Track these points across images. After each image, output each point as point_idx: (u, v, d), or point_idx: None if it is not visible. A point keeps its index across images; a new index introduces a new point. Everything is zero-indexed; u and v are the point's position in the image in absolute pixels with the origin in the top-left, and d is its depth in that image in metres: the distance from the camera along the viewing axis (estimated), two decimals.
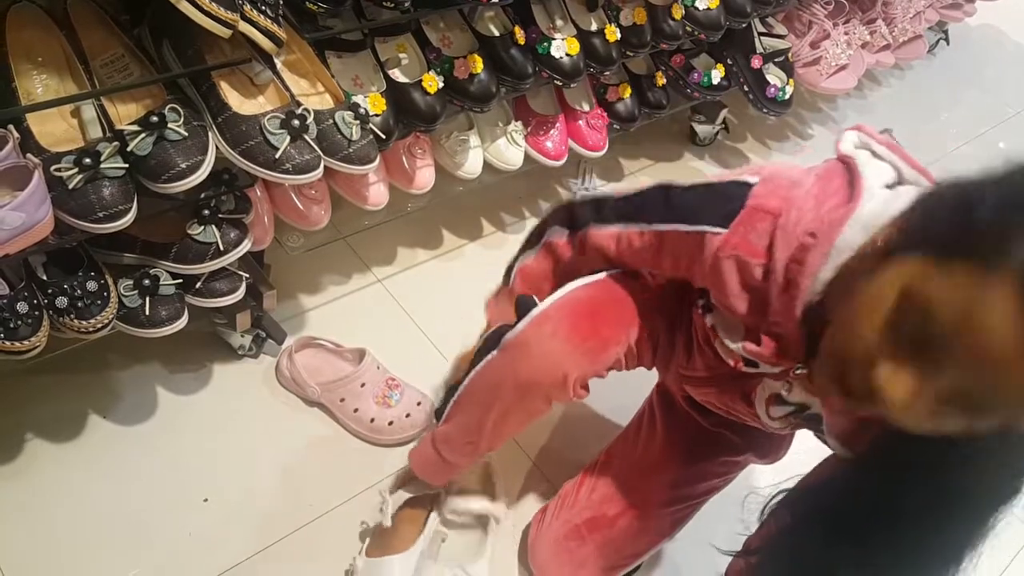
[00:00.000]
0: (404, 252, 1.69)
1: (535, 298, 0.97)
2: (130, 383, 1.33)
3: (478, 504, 1.22)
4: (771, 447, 1.23)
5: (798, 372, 0.83)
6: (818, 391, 0.72)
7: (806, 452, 1.05)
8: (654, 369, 1.16)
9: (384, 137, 1.14)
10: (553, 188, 1.97)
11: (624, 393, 1.32)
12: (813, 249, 0.76)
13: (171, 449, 1.27)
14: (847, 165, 0.79)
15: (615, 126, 1.70)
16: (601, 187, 2.00)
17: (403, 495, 1.20)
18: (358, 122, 1.06)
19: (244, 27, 0.96)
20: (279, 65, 1.09)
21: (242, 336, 1.36)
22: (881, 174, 0.78)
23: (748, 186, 0.81)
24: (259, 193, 1.22)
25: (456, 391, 1.05)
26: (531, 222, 1.87)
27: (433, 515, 1.21)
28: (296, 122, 0.99)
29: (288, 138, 0.99)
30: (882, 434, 0.78)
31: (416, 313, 1.58)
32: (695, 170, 2.14)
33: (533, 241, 1.08)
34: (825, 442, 0.96)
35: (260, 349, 1.41)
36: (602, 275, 1.00)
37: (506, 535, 1.27)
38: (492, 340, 0.98)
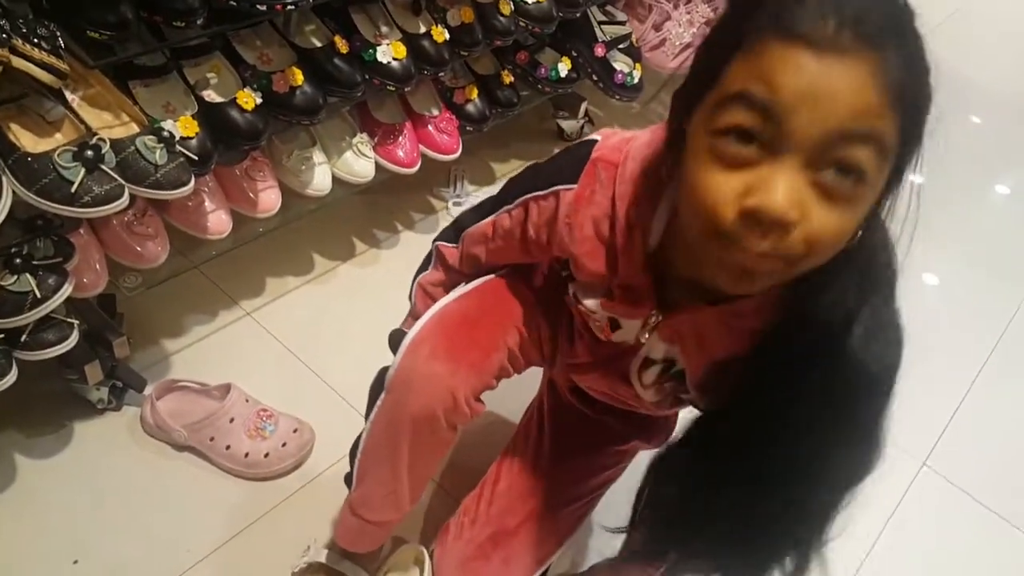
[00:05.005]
0: (272, 280, 1.66)
1: (403, 329, 0.97)
2: None
3: None
4: (655, 430, 1.23)
5: (652, 320, 0.85)
6: (700, 258, 0.70)
7: None
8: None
9: (199, 159, 1.11)
10: (425, 199, 1.96)
11: (517, 396, 1.30)
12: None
13: (36, 515, 1.21)
14: None
15: (467, 128, 1.70)
16: (473, 193, 2.00)
17: (333, 558, 1.14)
18: (162, 146, 1.03)
19: (19, 63, 0.92)
20: (76, 100, 1.06)
21: (97, 389, 1.31)
22: None
23: (593, 143, 0.84)
24: (85, 236, 1.17)
25: (358, 450, 1.02)
26: (405, 236, 1.86)
27: None
28: (90, 153, 0.96)
29: (83, 170, 0.96)
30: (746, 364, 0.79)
31: (293, 344, 1.54)
32: None
33: (428, 257, 1.08)
34: (696, 406, 0.97)
35: (121, 400, 1.36)
36: (472, 284, 0.99)
37: None
38: (376, 386, 0.96)
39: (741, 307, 0.78)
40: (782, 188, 0.60)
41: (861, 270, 0.71)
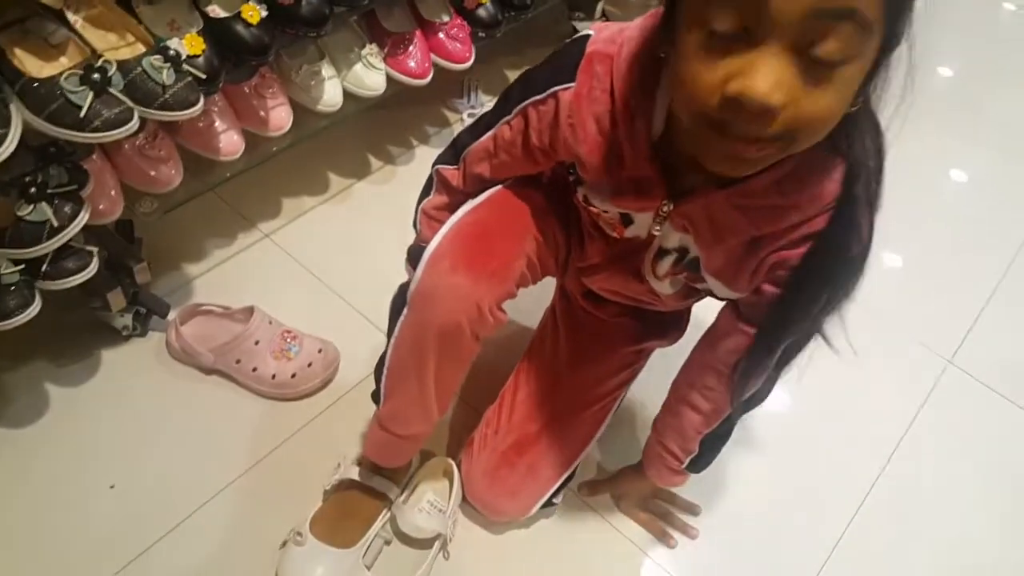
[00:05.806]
0: (288, 201, 1.64)
1: (421, 244, 0.96)
2: (18, 385, 1.28)
3: (429, 523, 1.15)
4: (669, 327, 1.24)
5: (664, 209, 0.85)
6: (696, 144, 0.71)
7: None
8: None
9: (207, 77, 1.08)
10: (439, 112, 1.91)
11: (532, 307, 1.31)
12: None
13: (70, 442, 1.23)
14: None
15: (480, 34, 1.63)
16: (488, 103, 1.95)
17: (364, 475, 1.16)
18: (169, 65, 0.99)
19: None
20: (78, 21, 1.01)
21: (122, 316, 1.31)
22: None
23: (586, 39, 0.83)
24: (98, 162, 1.15)
25: (384, 367, 1.02)
26: (419, 151, 1.83)
27: (384, 516, 1.16)
28: (97, 76, 0.93)
29: (91, 94, 0.93)
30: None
31: (312, 264, 1.53)
32: None
33: (428, 183, 1.06)
34: (711, 293, 0.99)
35: (146, 326, 1.36)
36: (483, 195, 0.98)
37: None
38: (398, 301, 0.96)
39: (751, 186, 0.78)
40: (764, 73, 0.60)
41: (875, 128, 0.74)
